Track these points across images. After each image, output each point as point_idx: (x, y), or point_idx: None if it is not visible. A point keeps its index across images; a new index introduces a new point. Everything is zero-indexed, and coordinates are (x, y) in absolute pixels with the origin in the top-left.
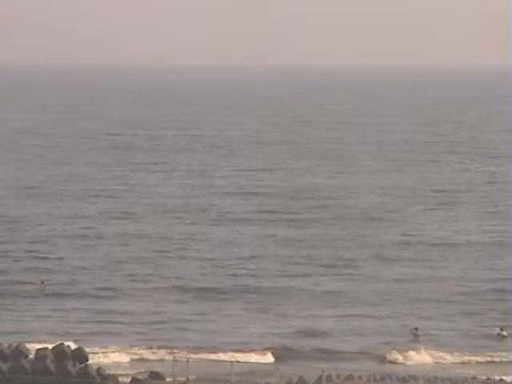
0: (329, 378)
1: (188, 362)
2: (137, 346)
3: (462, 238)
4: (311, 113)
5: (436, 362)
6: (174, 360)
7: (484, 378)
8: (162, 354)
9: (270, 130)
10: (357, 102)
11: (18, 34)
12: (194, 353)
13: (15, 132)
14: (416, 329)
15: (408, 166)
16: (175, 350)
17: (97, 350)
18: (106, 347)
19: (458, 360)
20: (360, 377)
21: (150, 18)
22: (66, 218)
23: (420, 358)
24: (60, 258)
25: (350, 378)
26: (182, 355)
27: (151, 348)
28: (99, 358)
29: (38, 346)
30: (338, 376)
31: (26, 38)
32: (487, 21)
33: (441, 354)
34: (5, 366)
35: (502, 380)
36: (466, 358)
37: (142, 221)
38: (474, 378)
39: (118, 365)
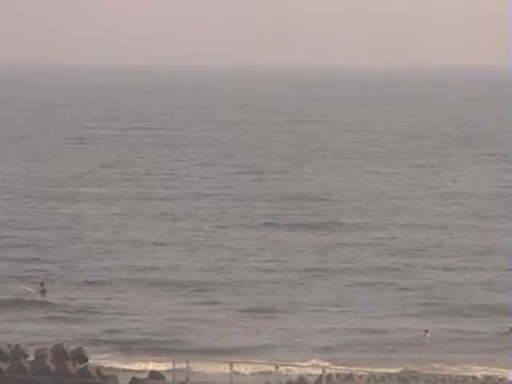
0: (329, 377)
1: (188, 362)
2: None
3: None
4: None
5: (438, 363)
6: (174, 361)
7: (484, 377)
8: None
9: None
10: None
11: (18, 33)
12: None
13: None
14: (426, 331)
15: None
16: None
17: (97, 350)
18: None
19: (460, 360)
20: (360, 377)
21: (149, 18)
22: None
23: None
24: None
25: (350, 377)
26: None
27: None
28: (99, 358)
29: (38, 346)
30: (338, 376)
31: (25, 38)
32: (488, 22)
33: (446, 354)
34: (5, 366)
35: (501, 380)
36: (468, 358)
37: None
38: (474, 377)
39: (117, 365)
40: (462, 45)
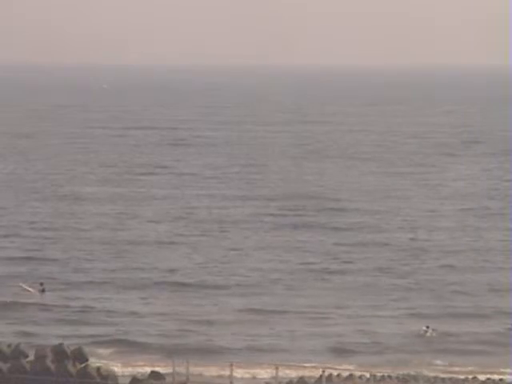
0: (329, 377)
1: (188, 363)
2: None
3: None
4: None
5: (438, 363)
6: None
7: (484, 377)
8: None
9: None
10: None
11: (18, 34)
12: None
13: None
14: (427, 327)
15: None
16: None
17: (97, 351)
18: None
19: (460, 361)
20: (360, 377)
21: (149, 18)
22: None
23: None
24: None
25: (350, 377)
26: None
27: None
28: (99, 358)
29: (38, 346)
30: (338, 376)
31: (25, 38)
32: (487, 22)
33: (446, 354)
34: (5, 366)
35: (501, 380)
36: (468, 359)
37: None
38: (474, 378)
39: (117, 365)
40: (462, 45)
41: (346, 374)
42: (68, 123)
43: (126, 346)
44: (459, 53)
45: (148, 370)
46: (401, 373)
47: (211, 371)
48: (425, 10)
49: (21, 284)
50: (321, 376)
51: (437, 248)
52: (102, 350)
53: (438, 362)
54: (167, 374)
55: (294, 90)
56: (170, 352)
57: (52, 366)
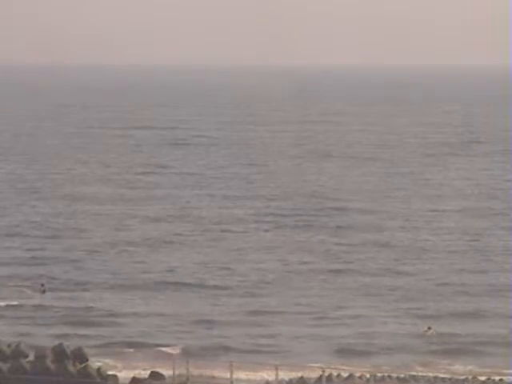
0: (329, 377)
1: (188, 363)
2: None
3: None
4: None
5: (438, 363)
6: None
7: (484, 378)
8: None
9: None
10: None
11: (18, 34)
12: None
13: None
14: (429, 328)
15: None
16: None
17: (98, 351)
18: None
19: (460, 361)
20: (360, 377)
21: (149, 18)
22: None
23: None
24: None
25: (350, 377)
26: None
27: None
28: (99, 358)
29: (38, 346)
30: (338, 376)
31: (25, 38)
32: (487, 22)
33: (446, 354)
34: (5, 366)
35: (501, 380)
36: (468, 359)
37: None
38: (474, 378)
39: (118, 365)
40: (462, 45)
41: (345, 374)
42: (68, 123)
43: (127, 346)
44: (459, 53)
45: (148, 370)
46: (401, 373)
47: (211, 371)
48: (425, 10)
49: (21, 284)
50: (321, 376)
51: (437, 248)
52: (102, 350)
53: (438, 361)
54: (167, 374)
55: (294, 90)
56: (171, 352)
57: (52, 366)
